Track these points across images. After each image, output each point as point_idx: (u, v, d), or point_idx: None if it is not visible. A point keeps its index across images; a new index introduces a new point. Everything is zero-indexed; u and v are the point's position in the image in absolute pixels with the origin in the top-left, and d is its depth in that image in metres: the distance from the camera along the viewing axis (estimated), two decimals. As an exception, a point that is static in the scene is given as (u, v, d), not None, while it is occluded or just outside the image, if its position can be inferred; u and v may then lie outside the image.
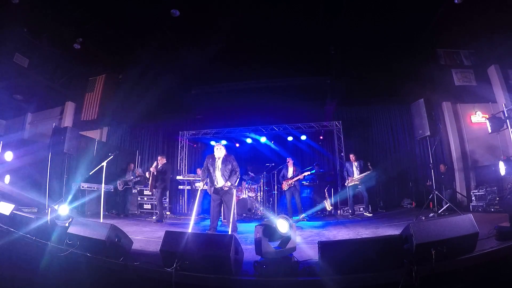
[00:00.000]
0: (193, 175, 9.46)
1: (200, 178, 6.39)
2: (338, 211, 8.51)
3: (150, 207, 8.95)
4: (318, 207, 8.74)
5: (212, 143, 10.59)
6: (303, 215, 7.60)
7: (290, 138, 10.51)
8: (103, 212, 6.78)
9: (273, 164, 9.27)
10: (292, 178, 7.78)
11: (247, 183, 9.05)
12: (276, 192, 9.10)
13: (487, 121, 7.30)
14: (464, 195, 7.70)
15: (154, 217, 8.34)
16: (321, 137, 10.40)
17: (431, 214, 5.88)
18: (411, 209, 8.26)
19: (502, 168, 6.08)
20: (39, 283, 3.40)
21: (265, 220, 2.94)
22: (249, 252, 3.16)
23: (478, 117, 8.68)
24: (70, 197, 7.50)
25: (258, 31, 8.24)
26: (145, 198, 9.16)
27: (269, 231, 2.78)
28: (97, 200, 8.12)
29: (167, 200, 9.39)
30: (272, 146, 10.73)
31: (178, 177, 9.58)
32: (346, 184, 8.16)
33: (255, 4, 7.44)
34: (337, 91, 9.98)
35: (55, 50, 9.82)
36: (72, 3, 7.63)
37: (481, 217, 4.86)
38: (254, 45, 8.66)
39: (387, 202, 8.96)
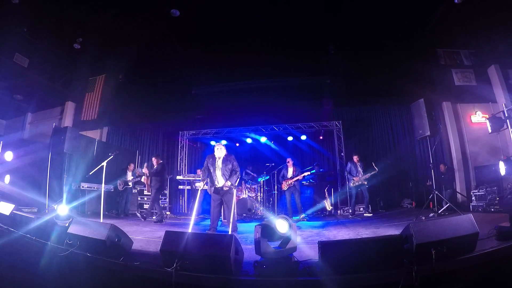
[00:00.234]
0: (193, 175, 9.46)
1: (200, 178, 6.39)
2: (338, 211, 8.51)
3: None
4: (318, 207, 8.74)
5: (212, 143, 10.59)
6: (303, 215, 7.60)
7: (290, 138, 10.51)
8: (103, 212, 6.78)
9: (273, 164, 9.27)
10: (291, 178, 7.78)
11: (247, 183, 9.05)
12: (276, 192, 9.10)
13: (487, 121, 7.31)
14: (464, 195, 7.70)
15: (154, 217, 8.34)
16: (321, 137, 10.39)
17: (431, 214, 5.88)
18: (411, 209, 8.26)
19: (502, 168, 6.09)
20: (39, 283, 3.40)
21: (265, 220, 2.93)
22: (249, 252, 3.16)
23: (478, 117, 8.68)
24: (68, 197, 7.53)
25: (258, 31, 8.24)
26: (145, 198, 9.16)
27: (268, 231, 2.78)
28: (97, 200, 8.12)
29: (167, 200, 9.40)
30: (272, 146, 10.73)
31: (178, 177, 9.59)
32: (351, 184, 8.08)
33: (255, 4, 7.44)
34: (335, 91, 9.99)
35: (55, 50, 9.82)
36: (72, 3, 7.63)
37: (481, 217, 4.86)
38: (254, 45, 8.66)
39: (387, 202, 8.96)
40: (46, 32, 8.94)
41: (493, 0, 7.02)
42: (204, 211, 8.61)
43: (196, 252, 2.75)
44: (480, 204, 6.64)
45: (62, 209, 4.09)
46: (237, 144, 11.19)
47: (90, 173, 6.81)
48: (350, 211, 8.00)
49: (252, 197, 8.69)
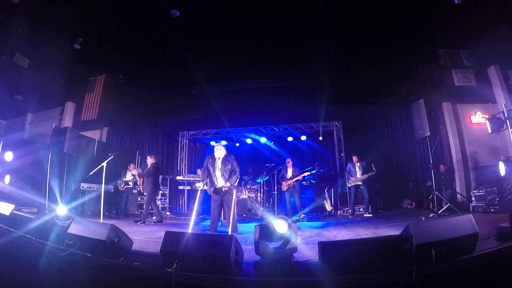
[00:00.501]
0: (193, 175, 9.46)
1: (200, 179, 6.38)
2: (338, 212, 8.52)
3: (150, 208, 8.93)
4: (316, 205, 8.75)
5: (212, 143, 10.61)
6: (303, 215, 7.60)
7: (290, 139, 10.52)
8: (103, 212, 6.79)
9: (273, 164, 9.27)
10: (291, 178, 7.79)
11: (247, 184, 9.05)
12: (276, 192, 9.10)
13: (487, 122, 7.30)
14: (464, 195, 7.70)
15: (154, 218, 8.34)
16: (320, 138, 10.39)
17: (431, 215, 5.88)
18: (411, 209, 8.26)
19: (502, 169, 6.09)
20: (39, 283, 3.40)
21: (264, 220, 2.94)
22: (249, 252, 3.16)
23: (478, 118, 8.67)
24: (68, 198, 7.53)
25: (258, 31, 8.23)
26: (145, 199, 9.14)
27: (268, 231, 2.79)
28: (97, 200, 8.13)
29: (167, 200, 9.39)
30: (272, 146, 10.74)
31: (178, 178, 9.59)
32: (348, 184, 8.16)
33: (255, 4, 7.44)
34: (334, 91, 9.99)
35: (55, 50, 9.81)
36: (72, 3, 7.62)
37: (481, 218, 4.86)
38: (254, 45, 8.66)
39: (387, 203, 8.96)
40: (46, 32, 8.93)
41: (493, 0, 7.02)
42: (204, 211, 8.60)
43: (196, 252, 2.75)
44: (480, 204, 6.64)
45: (61, 209, 4.09)
46: (237, 144, 11.20)
47: (90, 174, 6.81)
48: (350, 211, 8.00)
49: (252, 197, 8.69)
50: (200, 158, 11.21)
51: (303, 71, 9.97)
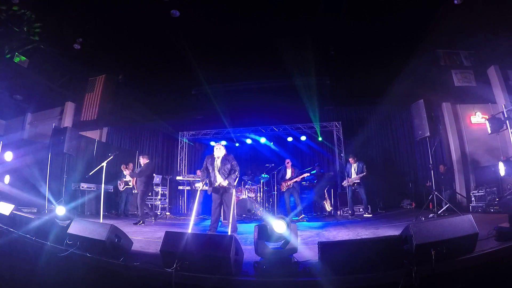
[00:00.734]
0: (192, 175, 9.46)
1: (199, 179, 6.38)
2: (338, 212, 8.52)
3: (150, 207, 8.94)
4: (313, 205, 8.76)
5: (212, 143, 10.60)
6: (302, 215, 7.60)
7: (290, 139, 10.52)
8: (103, 212, 6.79)
9: (273, 164, 9.27)
10: (290, 179, 7.80)
11: (246, 184, 9.04)
12: (275, 192, 9.10)
13: (487, 122, 7.31)
14: (463, 195, 7.70)
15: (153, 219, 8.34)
16: (320, 138, 10.39)
17: (431, 215, 5.88)
18: (410, 209, 8.26)
19: (501, 169, 6.09)
20: (39, 283, 3.40)
21: (264, 220, 2.94)
22: (249, 252, 3.16)
23: (477, 118, 8.67)
24: (68, 198, 7.52)
25: (258, 31, 8.24)
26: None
27: (268, 231, 2.79)
28: (97, 200, 8.14)
29: (167, 200, 9.38)
30: (272, 146, 10.74)
31: (177, 178, 9.59)
32: (343, 184, 8.23)
33: (255, 4, 7.44)
34: (334, 91, 10.00)
35: (55, 50, 9.81)
36: (72, 3, 7.62)
37: (481, 218, 4.86)
38: (254, 45, 8.66)
39: (387, 203, 8.96)
40: (46, 32, 8.93)
41: (493, 1, 7.02)
42: (204, 211, 8.60)
43: (196, 252, 2.75)
44: (479, 204, 6.64)
45: (61, 209, 4.09)
46: (237, 145, 11.20)
47: (90, 174, 6.80)
48: (350, 211, 8.01)
49: (252, 197, 8.69)
50: (200, 158, 11.21)
51: (303, 71, 9.97)
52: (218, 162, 5.39)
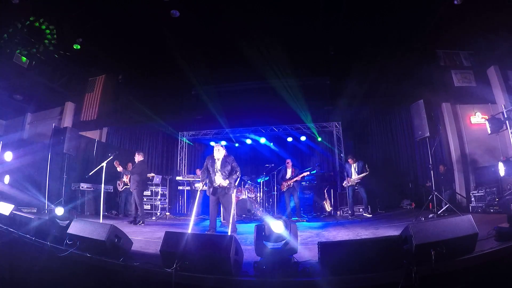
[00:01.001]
0: (192, 175, 9.46)
1: (199, 179, 6.37)
2: (338, 212, 8.51)
3: (149, 208, 8.94)
4: (313, 205, 8.74)
5: (212, 143, 10.59)
6: (302, 215, 7.61)
7: (289, 139, 10.51)
8: (102, 212, 6.79)
9: (272, 164, 9.26)
10: (290, 179, 7.81)
11: (246, 184, 9.03)
12: (275, 192, 9.10)
13: (487, 122, 7.31)
14: (463, 196, 7.70)
15: (153, 218, 8.35)
16: (319, 139, 10.39)
17: (431, 215, 5.88)
18: (410, 210, 8.26)
19: (501, 169, 6.09)
20: (38, 283, 3.40)
21: (264, 221, 2.94)
22: (249, 252, 3.16)
23: (477, 118, 8.68)
24: (67, 198, 7.52)
25: (258, 32, 8.24)
26: (145, 199, 9.13)
27: (268, 231, 2.79)
28: (97, 201, 8.14)
29: (166, 200, 9.35)
30: (272, 146, 10.73)
31: (177, 178, 9.59)
32: (343, 184, 8.21)
33: (255, 5, 7.45)
34: (334, 91, 10.02)
35: (55, 50, 9.81)
36: (72, 3, 7.63)
37: (481, 218, 4.86)
38: (254, 46, 8.66)
39: (387, 203, 8.96)
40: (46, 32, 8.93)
41: (493, 1, 7.03)
42: (204, 211, 8.60)
43: (196, 252, 2.75)
44: (479, 205, 6.64)
45: (60, 210, 4.09)
46: (237, 145, 11.19)
47: (90, 174, 6.80)
48: (350, 212, 8.00)
49: (252, 197, 8.68)
50: (200, 158, 11.20)
51: (303, 71, 9.98)
52: (218, 164, 5.38)
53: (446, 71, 9.37)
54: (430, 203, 6.28)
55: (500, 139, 7.90)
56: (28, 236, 3.74)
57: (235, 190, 5.56)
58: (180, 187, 10.27)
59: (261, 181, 9.19)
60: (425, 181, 8.31)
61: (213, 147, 5.67)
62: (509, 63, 8.38)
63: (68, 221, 3.79)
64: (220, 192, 5.32)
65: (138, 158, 7.17)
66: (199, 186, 5.77)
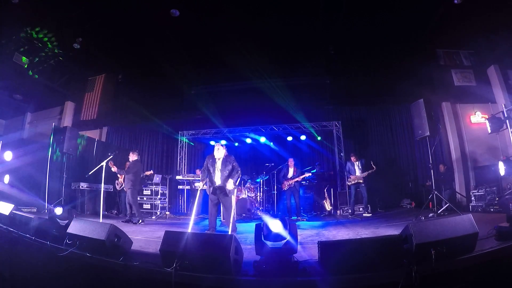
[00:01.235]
0: (192, 175, 9.45)
1: (199, 178, 6.37)
2: (338, 211, 8.51)
3: (149, 207, 8.94)
4: (313, 204, 8.73)
5: (212, 143, 10.58)
6: (303, 215, 7.61)
7: (289, 138, 10.50)
8: (102, 211, 6.78)
9: (272, 164, 9.26)
10: (292, 178, 7.81)
11: (246, 183, 9.03)
12: (275, 192, 9.10)
13: (487, 121, 7.30)
14: (463, 195, 7.70)
15: (153, 217, 8.35)
16: (319, 138, 10.38)
17: (431, 214, 5.88)
18: (410, 209, 8.26)
19: (501, 168, 6.09)
20: (38, 283, 3.40)
21: (263, 220, 2.94)
22: (248, 252, 3.16)
23: (477, 117, 8.68)
24: (67, 197, 7.52)
25: (258, 31, 8.24)
26: (145, 198, 9.15)
27: (268, 231, 2.79)
28: (97, 200, 8.14)
29: (166, 200, 9.35)
30: (272, 146, 10.72)
31: (177, 177, 9.58)
32: (348, 183, 8.16)
33: (255, 4, 7.44)
34: (334, 91, 10.02)
35: (54, 50, 9.82)
36: (72, 3, 7.62)
37: (481, 217, 4.86)
38: (254, 45, 8.66)
39: (387, 202, 8.96)
40: (46, 32, 8.93)
41: (493, 1, 7.02)
42: (204, 211, 8.60)
43: (196, 252, 2.74)
44: (479, 204, 6.64)
45: (59, 209, 4.09)
46: (236, 144, 11.18)
47: (90, 173, 6.80)
48: (350, 211, 8.00)
49: (252, 197, 8.69)
50: (200, 158, 11.19)
51: (303, 71, 9.97)
52: (219, 164, 5.37)
53: (446, 70, 9.37)
54: (430, 203, 6.28)
55: (500, 139, 7.90)
56: (28, 235, 3.74)
57: (235, 190, 5.54)
58: (180, 187, 10.27)
59: (261, 180, 9.19)
60: (425, 181, 8.31)
61: (213, 146, 5.66)
62: (509, 62, 8.38)
63: (68, 221, 3.79)
64: (221, 192, 5.31)
65: (133, 157, 7.09)
66: (199, 185, 5.75)
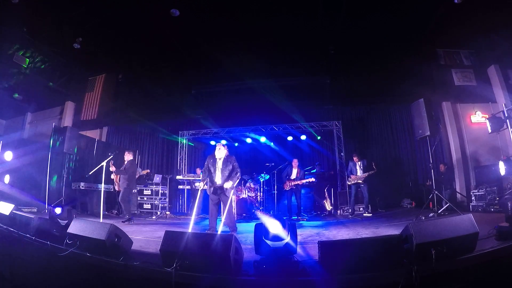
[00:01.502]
0: (192, 175, 9.45)
1: (199, 178, 6.37)
2: (338, 211, 8.51)
3: (150, 207, 8.95)
4: (314, 204, 8.70)
5: (212, 143, 10.59)
6: (303, 214, 7.61)
7: (290, 138, 10.50)
8: (103, 211, 6.78)
9: (273, 164, 9.27)
10: (294, 180, 7.82)
11: (246, 183, 9.03)
12: (276, 192, 9.10)
13: (487, 121, 7.30)
14: (464, 195, 7.69)
15: (154, 217, 8.35)
16: (319, 137, 10.38)
17: (431, 214, 5.88)
18: (411, 209, 8.26)
19: (502, 168, 6.09)
20: (38, 282, 3.40)
21: (263, 220, 2.94)
22: (249, 251, 3.16)
23: (478, 117, 8.68)
24: (67, 197, 7.52)
25: (258, 31, 8.23)
26: (145, 198, 9.16)
27: (267, 230, 2.79)
28: (97, 200, 8.13)
29: (167, 200, 9.35)
30: (272, 146, 10.72)
31: (178, 177, 9.58)
32: (348, 182, 8.16)
33: (255, 4, 7.44)
34: (334, 91, 10.01)
35: (54, 50, 9.82)
36: (72, 3, 7.62)
37: (481, 217, 4.85)
38: (253, 45, 8.66)
39: (387, 202, 8.95)
40: (46, 32, 8.92)
41: (493, 0, 7.02)
42: (204, 210, 8.60)
43: (196, 252, 2.75)
44: (480, 204, 6.64)
45: (60, 208, 4.09)
46: (236, 144, 11.19)
47: (90, 173, 6.80)
48: (350, 211, 8.00)
49: (252, 197, 8.69)
50: (200, 158, 11.19)
51: (303, 70, 9.96)
52: (220, 164, 5.38)
53: (446, 70, 9.36)
54: (431, 202, 6.28)
55: (500, 138, 7.89)
56: (28, 235, 3.75)
57: (232, 191, 5.54)
58: (180, 186, 10.27)
59: (262, 180, 9.19)
60: (426, 180, 8.31)
61: (213, 146, 5.66)
62: (510, 62, 8.37)
63: (68, 221, 3.79)
64: (221, 191, 5.32)
65: (129, 157, 7.05)
66: (199, 185, 5.75)
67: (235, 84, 10.42)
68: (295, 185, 7.79)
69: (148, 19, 7.94)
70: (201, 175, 6.22)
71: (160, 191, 8.99)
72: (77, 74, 11.56)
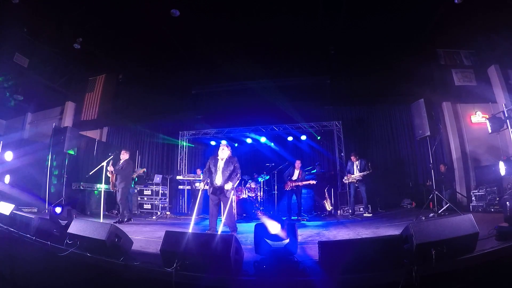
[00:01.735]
0: (193, 175, 9.45)
1: (200, 179, 6.37)
2: (338, 211, 8.50)
3: (150, 207, 8.95)
4: (314, 204, 8.69)
5: (212, 143, 10.60)
6: (303, 215, 7.61)
7: (290, 138, 10.50)
8: (103, 211, 6.78)
9: (273, 164, 9.26)
10: (296, 181, 7.83)
11: (247, 183, 9.03)
12: (276, 192, 9.09)
13: (487, 121, 7.30)
14: (464, 195, 7.69)
15: (154, 217, 8.35)
16: (318, 137, 10.38)
17: (431, 214, 5.88)
18: (411, 209, 8.25)
19: (502, 168, 6.09)
20: (39, 282, 3.40)
21: (262, 221, 2.94)
22: (249, 251, 3.16)
23: (478, 117, 8.68)
24: (67, 197, 7.51)
25: (258, 31, 8.24)
26: (145, 198, 9.16)
27: (267, 230, 2.79)
28: (97, 200, 8.14)
29: (167, 200, 9.36)
30: (272, 146, 10.72)
31: (178, 177, 9.58)
32: (344, 180, 8.18)
33: (255, 4, 7.44)
34: (335, 91, 10.02)
35: (55, 50, 9.83)
36: (72, 3, 7.63)
37: (481, 217, 4.86)
38: (253, 45, 8.67)
39: (387, 202, 8.94)
40: (46, 32, 8.93)
41: (493, 0, 7.02)
42: (205, 211, 8.59)
43: (196, 252, 2.74)
44: (480, 204, 6.63)
45: (60, 208, 4.10)
46: (236, 145, 11.18)
47: (90, 173, 6.79)
48: (350, 211, 8.00)
49: (252, 197, 8.69)
50: (200, 157, 11.19)
51: (303, 71, 9.97)
52: (221, 164, 5.38)
53: (446, 70, 9.36)
54: (431, 202, 6.27)
55: (500, 138, 7.89)
56: (28, 235, 3.75)
57: (232, 191, 5.54)
58: (181, 187, 10.27)
59: (262, 180, 9.18)
60: (426, 180, 8.30)
61: (213, 146, 5.67)
62: (510, 62, 8.37)
63: (68, 221, 3.79)
64: (221, 192, 5.32)
65: (125, 156, 6.99)
66: (200, 186, 5.75)
67: (235, 84, 10.43)
68: (296, 185, 7.80)
69: (148, 19, 7.95)
70: (201, 176, 6.22)
71: (160, 191, 9.00)
72: (77, 74, 11.56)
